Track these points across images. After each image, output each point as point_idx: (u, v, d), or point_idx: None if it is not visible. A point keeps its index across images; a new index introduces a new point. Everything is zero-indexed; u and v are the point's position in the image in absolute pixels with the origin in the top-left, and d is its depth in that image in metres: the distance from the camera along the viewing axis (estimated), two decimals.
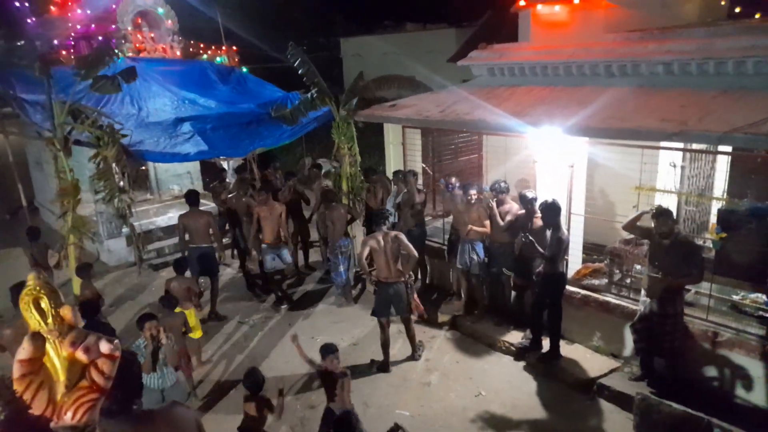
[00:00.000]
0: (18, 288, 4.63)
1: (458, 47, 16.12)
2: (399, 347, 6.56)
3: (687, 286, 5.45)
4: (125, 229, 7.72)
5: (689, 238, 5.63)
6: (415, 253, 6.08)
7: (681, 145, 5.87)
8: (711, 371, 5.33)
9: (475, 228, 6.67)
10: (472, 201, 6.64)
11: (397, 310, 6.14)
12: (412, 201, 7.47)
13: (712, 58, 5.63)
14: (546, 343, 6.16)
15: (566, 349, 6.17)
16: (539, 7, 7.24)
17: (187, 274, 6.65)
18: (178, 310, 5.74)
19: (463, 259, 6.88)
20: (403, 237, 6.03)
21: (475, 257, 6.77)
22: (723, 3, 7.71)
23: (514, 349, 6.40)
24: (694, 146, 6.02)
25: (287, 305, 7.96)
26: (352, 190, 8.71)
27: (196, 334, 6.13)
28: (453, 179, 7.41)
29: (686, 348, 5.32)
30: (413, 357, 6.42)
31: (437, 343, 6.76)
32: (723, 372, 5.25)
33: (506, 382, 5.95)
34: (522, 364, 6.23)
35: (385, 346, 6.26)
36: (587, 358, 6.06)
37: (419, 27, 22.60)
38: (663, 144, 5.80)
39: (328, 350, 4.67)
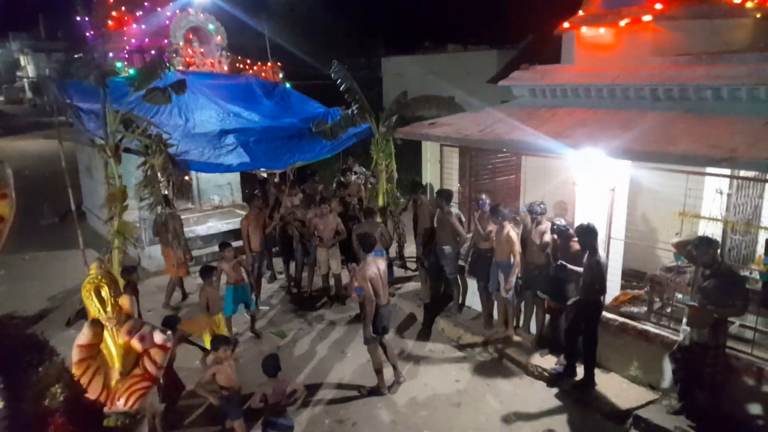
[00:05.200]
0: None
1: (499, 69, 16.15)
2: (425, 366, 6.50)
3: (730, 319, 5.26)
4: None
5: (732, 268, 5.43)
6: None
7: (728, 171, 5.71)
8: (755, 408, 5.10)
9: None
10: (504, 226, 6.59)
11: (386, 330, 6.07)
12: (447, 221, 7.43)
13: (763, 84, 5.48)
14: (580, 370, 6.01)
15: (602, 378, 6.01)
16: (584, 29, 7.21)
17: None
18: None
19: (493, 283, 6.82)
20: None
21: (501, 280, 6.70)
22: None
23: (547, 374, 6.26)
24: (742, 173, 5.84)
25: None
26: (387, 206, 8.74)
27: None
28: (483, 195, 7.29)
29: (728, 382, 5.11)
30: (397, 380, 6.16)
31: (468, 365, 6.68)
32: (767, 409, 5.03)
33: (538, 407, 5.82)
34: (555, 390, 6.09)
35: (380, 370, 6.04)
36: (623, 388, 5.88)
37: (460, 48, 22.69)
38: (709, 170, 5.66)
39: (274, 367, 4.40)
